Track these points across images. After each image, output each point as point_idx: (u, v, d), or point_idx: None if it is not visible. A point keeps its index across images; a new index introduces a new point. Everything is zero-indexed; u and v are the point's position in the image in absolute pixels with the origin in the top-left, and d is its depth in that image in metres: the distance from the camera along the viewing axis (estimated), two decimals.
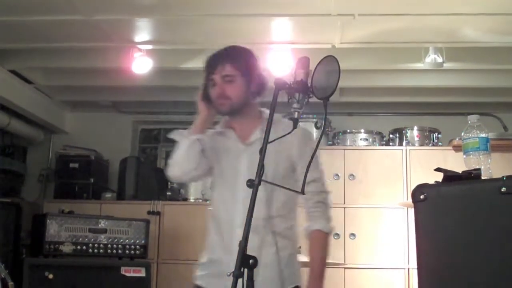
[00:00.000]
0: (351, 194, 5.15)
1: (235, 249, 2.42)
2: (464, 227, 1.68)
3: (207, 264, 2.60)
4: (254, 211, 2.43)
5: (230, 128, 2.67)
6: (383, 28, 4.14)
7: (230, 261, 2.43)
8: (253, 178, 2.46)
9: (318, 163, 2.63)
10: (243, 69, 2.55)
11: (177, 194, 5.37)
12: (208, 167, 2.66)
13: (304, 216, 2.62)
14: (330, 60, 2.14)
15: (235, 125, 2.66)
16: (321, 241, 2.58)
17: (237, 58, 2.58)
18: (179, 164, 2.60)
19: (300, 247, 2.75)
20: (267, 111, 2.64)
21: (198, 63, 5.05)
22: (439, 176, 1.95)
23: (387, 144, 5.37)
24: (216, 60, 2.56)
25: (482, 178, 1.88)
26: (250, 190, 2.45)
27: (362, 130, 5.37)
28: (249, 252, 2.42)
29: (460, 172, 1.86)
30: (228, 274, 1.92)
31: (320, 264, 2.56)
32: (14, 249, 4.74)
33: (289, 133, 2.16)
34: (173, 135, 2.63)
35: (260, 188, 2.45)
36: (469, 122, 2.15)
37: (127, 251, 4.63)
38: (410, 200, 1.96)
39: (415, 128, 5.33)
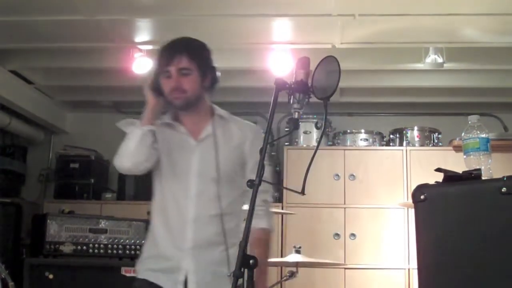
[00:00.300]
0: (351, 195, 5.16)
1: (187, 245, 2.45)
2: (465, 228, 1.68)
3: (154, 259, 2.57)
4: (204, 208, 2.47)
5: (179, 121, 2.62)
6: (384, 29, 4.14)
7: (180, 258, 2.46)
8: (204, 174, 2.49)
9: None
10: (199, 63, 2.54)
11: None
12: (156, 158, 2.56)
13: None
14: (330, 60, 2.14)
15: (185, 120, 2.62)
16: (266, 239, 2.56)
17: (194, 51, 2.56)
18: (130, 155, 2.53)
19: None
20: (218, 108, 2.67)
21: None
22: (440, 177, 1.95)
23: (387, 144, 5.38)
24: (173, 52, 2.52)
25: (483, 178, 1.88)
26: (203, 187, 2.49)
27: (363, 130, 5.38)
28: (199, 248, 2.45)
29: (461, 172, 1.86)
30: (229, 274, 1.92)
31: (265, 261, 2.54)
32: (14, 249, 4.74)
33: (289, 133, 2.16)
34: (122, 125, 2.61)
35: (211, 184, 2.48)
36: (470, 122, 2.15)
37: (127, 251, 4.63)
38: (410, 200, 1.96)
39: (416, 128, 5.34)
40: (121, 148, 2.57)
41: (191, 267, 2.45)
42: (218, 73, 2.64)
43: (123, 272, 4.49)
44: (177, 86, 2.49)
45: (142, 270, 2.62)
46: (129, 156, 2.53)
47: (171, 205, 2.53)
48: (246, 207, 2.37)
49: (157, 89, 2.54)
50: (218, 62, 5.05)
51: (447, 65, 4.59)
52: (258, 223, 2.52)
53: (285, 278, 3.81)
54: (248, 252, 2.59)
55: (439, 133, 5.35)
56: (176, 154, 2.57)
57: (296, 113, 2.13)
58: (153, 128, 2.53)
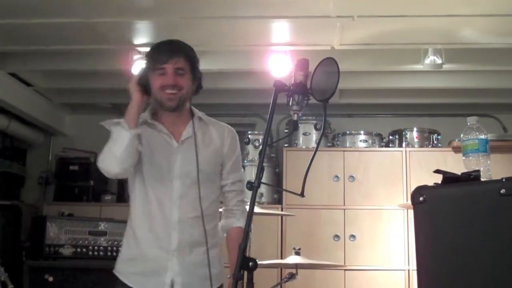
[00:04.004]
0: (351, 196, 5.15)
1: (172, 247, 2.48)
2: (464, 229, 1.68)
3: (137, 261, 2.57)
4: (187, 210, 2.50)
5: (158, 121, 2.63)
6: (382, 30, 4.14)
7: (166, 259, 2.48)
8: (186, 176, 2.52)
9: (240, 164, 2.73)
10: (192, 66, 2.59)
11: None
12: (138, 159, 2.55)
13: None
14: (329, 62, 2.14)
15: (165, 119, 2.63)
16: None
17: (189, 54, 2.60)
18: (120, 161, 2.45)
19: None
20: (197, 110, 2.71)
21: None
22: (439, 178, 1.95)
23: (386, 145, 5.38)
24: (171, 51, 2.54)
25: (482, 179, 1.88)
26: (185, 189, 2.52)
27: (362, 132, 5.38)
28: (183, 250, 2.46)
29: (460, 173, 1.86)
30: (228, 276, 1.92)
31: None
32: (14, 252, 4.74)
33: (288, 135, 2.17)
34: (106, 125, 2.54)
35: (193, 186, 2.50)
36: (468, 123, 2.15)
37: None
38: (409, 201, 1.96)
39: (415, 129, 5.34)
40: (107, 151, 2.49)
41: (177, 268, 2.48)
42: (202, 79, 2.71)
43: None
44: (174, 83, 2.51)
45: (126, 272, 2.63)
46: (118, 161, 2.46)
47: (155, 207, 2.54)
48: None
49: (144, 86, 2.53)
50: (217, 64, 5.09)
51: (446, 66, 4.59)
52: (235, 222, 2.64)
53: (284, 279, 3.80)
54: (228, 250, 2.63)
55: (438, 134, 5.35)
56: (158, 156, 2.58)
57: (295, 115, 2.14)
58: (140, 131, 2.51)
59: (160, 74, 2.52)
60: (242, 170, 2.75)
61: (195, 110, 2.72)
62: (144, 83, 2.52)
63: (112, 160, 2.47)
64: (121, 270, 2.64)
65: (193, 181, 2.52)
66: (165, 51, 2.55)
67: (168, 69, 2.51)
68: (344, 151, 5.29)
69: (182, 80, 2.54)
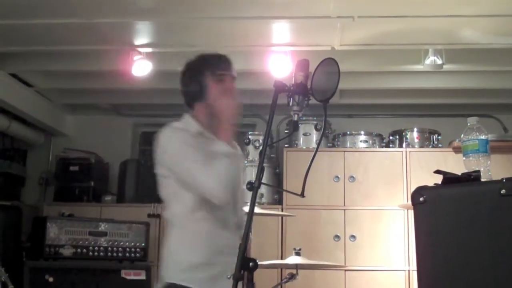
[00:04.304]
0: (351, 196, 5.15)
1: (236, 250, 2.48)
2: (464, 229, 1.68)
3: (206, 266, 2.56)
4: (241, 215, 2.55)
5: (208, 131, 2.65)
6: (383, 30, 4.14)
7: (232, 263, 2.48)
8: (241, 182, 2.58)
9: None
10: None
11: None
12: None
13: None
14: (329, 62, 2.14)
15: (211, 130, 2.65)
16: None
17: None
18: (228, 186, 2.45)
19: None
20: None
21: None
22: (439, 178, 1.95)
23: (387, 146, 5.37)
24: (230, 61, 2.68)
25: (482, 180, 1.87)
26: (236, 197, 2.56)
27: (362, 132, 5.38)
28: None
29: (460, 174, 1.86)
30: (229, 276, 1.92)
31: None
32: (14, 252, 4.74)
33: (288, 135, 2.18)
34: (218, 149, 2.47)
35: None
36: (469, 124, 2.15)
37: (127, 254, 4.64)
38: (410, 202, 1.96)
39: (415, 129, 5.33)
40: (217, 180, 2.43)
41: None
42: None
43: (123, 275, 4.50)
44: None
45: (194, 279, 2.54)
46: (228, 188, 2.47)
47: (229, 212, 2.58)
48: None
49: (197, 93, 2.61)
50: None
51: (446, 67, 4.59)
52: None
53: (285, 280, 3.80)
54: None
55: (439, 135, 5.35)
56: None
57: (296, 115, 2.14)
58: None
59: (220, 81, 2.66)
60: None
61: None
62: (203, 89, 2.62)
63: (226, 187, 2.46)
64: (189, 278, 2.55)
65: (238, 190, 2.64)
66: (225, 60, 2.70)
67: (229, 76, 2.68)
68: (344, 151, 5.29)
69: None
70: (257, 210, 3.45)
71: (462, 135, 2.14)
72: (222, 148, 2.47)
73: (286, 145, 5.41)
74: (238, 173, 2.60)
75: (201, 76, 2.61)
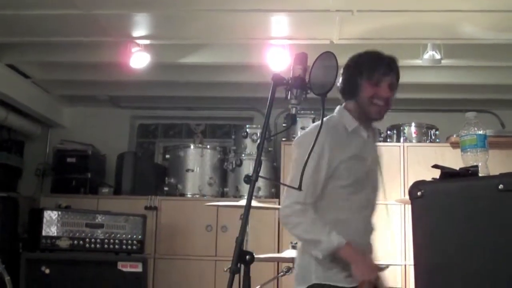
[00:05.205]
0: None
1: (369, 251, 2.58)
2: (461, 224, 1.68)
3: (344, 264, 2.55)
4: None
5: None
6: (382, 24, 4.13)
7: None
8: (377, 188, 2.60)
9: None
10: (396, 87, 2.68)
11: (174, 189, 5.36)
12: None
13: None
14: (328, 56, 2.13)
15: (366, 130, 2.69)
16: None
17: (399, 74, 2.71)
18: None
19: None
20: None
21: (196, 58, 5.07)
22: (437, 173, 1.95)
23: (384, 140, 5.37)
24: (392, 66, 2.65)
25: (480, 175, 1.87)
26: (376, 199, 2.59)
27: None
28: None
29: (458, 169, 1.86)
30: (225, 269, 1.92)
31: None
32: (11, 244, 4.74)
33: (286, 129, 2.18)
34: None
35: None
36: (467, 119, 2.14)
37: (124, 246, 4.63)
38: (407, 196, 1.96)
39: (413, 124, 5.33)
40: (303, 232, 2.51)
41: None
42: None
43: (119, 267, 4.49)
44: (388, 97, 2.59)
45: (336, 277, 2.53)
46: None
47: (359, 214, 2.58)
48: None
49: (351, 90, 2.60)
50: (215, 57, 5.08)
51: (445, 62, 4.59)
52: None
53: (281, 273, 3.81)
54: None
55: (437, 130, 5.35)
56: (364, 164, 2.60)
57: (294, 109, 2.13)
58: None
59: (374, 84, 2.58)
60: None
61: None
62: (352, 88, 2.59)
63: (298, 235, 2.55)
64: (330, 276, 2.52)
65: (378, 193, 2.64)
66: (387, 63, 2.63)
67: (385, 81, 2.59)
68: None
69: (392, 96, 2.62)
70: (254, 203, 3.45)
71: (460, 130, 2.14)
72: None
73: (283, 139, 5.41)
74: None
75: (358, 75, 2.60)
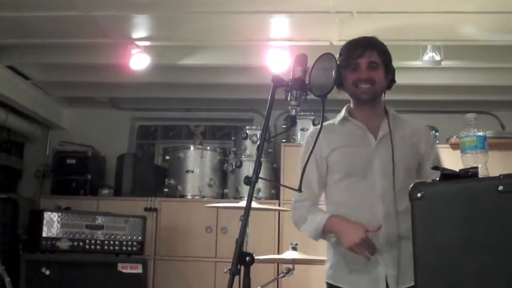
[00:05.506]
0: None
1: (381, 241, 2.45)
2: (461, 226, 1.68)
3: (346, 261, 2.58)
4: (389, 206, 2.46)
5: (354, 117, 2.65)
6: (381, 26, 4.13)
7: (376, 254, 2.44)
8: (385, 174, 2.50)
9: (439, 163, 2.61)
10: (386, 59, 2.61)
11: (174, 190, 5.36)
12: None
13: None
14: (327, 58, 2.14)
15: (360, 115, 2.64)
16: None
17: (382, 48, 2.62)
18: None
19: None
20: (392, 109, 2.69)
21: (196, 60, 5.07)
22: (436, 174, 1.95)
23: None
24: (364, 46, 2.57)
25: (480, 176, 1.87)
26: (387, 185, 2.48)
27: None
28: (390, 244, 2.44)
29: (458, 170, 1.86)
30: (225, 271, 1.92)
31: None
32: (11, 245, 4.74)
33: (286, 130, 2.18)
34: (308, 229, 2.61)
35: (390, 184, 2.47)
36: (467, 120, 2.14)
37: (124, 248, 4.64)
38: None
39: None
40: (301, 226, 2.64)
41: (389, 262, 2.46)
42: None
43: (119, 268, 4.49)
44: (367, 77, 2.54)
45: (337, 275, 2.63)
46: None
47: (361, 203, 2.53)
48: None
49: (339, 82, 2.54)
50: (215, 58, 5.08)
51: (444, 63, 4.59)
52: None
53: (281, 275, 3.80)
54: None
55: (436, 131, 5.34)
56: (357, 152, 2.58)
57: (294, 110, 2.14)
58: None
59: (353, 69, 2.55)
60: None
61: (389, 108, 2.71)
62: (339, 80, 2.51)
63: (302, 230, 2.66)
64: (332, 274, 2.64)
65: (390, 180, 2.49)
66: (358, 46, 2.57)
67: (361, 63, 2.54)
68: None
69: (376, 73, 2.56)
70: (254, 204, 3.45)
71: (460, 132, 2.14)
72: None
73: (283, 140, 5.41)
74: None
75: (342, 67, 2.56)
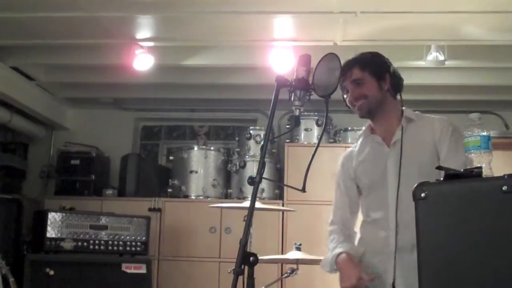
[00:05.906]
0: None
1: (391, 248, 2.47)
2: (465, 226, 1.68)
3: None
4: (403, 212, 2.43)
5: (373, 133, 2.70)
6: (385, 26, 4.13)
7: (386, 260, 2.48)
8: (398, 178, 2.49)
9: (460, 149, 2.46)
10: (371, 69, 2.59)
11: (178, 191, 5.37)
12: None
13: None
14: (331, 58, 2.14)
15: (378, 128, 2.68)
16: None
17: (363, 61, 2.61)
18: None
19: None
20: (408, 110, 2.70)
21: (200, 60, 5.08)
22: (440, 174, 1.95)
23: None
24: (344, 69, 2.56)
25: (483, 176, 1.87)
26: (401, 190, 2.46)
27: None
28: (402, 250, 2.44)
29: (461, 170, 1.86)
30: (229, 271, 1.92)
31: None
32: (15, 246, 4.75)
33: (290, 130, 2.19)
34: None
35: (409, 187, 2.44)
36: (471, 120, 2.14)
37: (128, 248, 4.64)
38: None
39: None
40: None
41: (398, 269, 2.45)
42: (395, 71, 2.74)
43: (123, 269, 4.50)
44: (356, 96, 2.57)
45: None
46: None
47: (378, 214, 2.58)
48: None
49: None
50: (219, 59, 5.08)
51: (448, 63, 4.58)
52: None
53: (285, 275, 3.81)
54: None
55: None
56: (374, 163, 2.63)
57: (297, 110, 2.14)
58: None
59: (346, 92, 2.61)
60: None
61: (406, 110, 2.71)
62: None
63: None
64: None
65: (409, 183, 2.49)
66: (342, 71, 2.52)
67: (347, 86, 2.59)
68: (345, 147, 5.23)
69: (363, 88, 2.57)
70: (258, 205, 3.45)
71: (464, 131, 2.14)
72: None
73: (287, 140, 5.41)
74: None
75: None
